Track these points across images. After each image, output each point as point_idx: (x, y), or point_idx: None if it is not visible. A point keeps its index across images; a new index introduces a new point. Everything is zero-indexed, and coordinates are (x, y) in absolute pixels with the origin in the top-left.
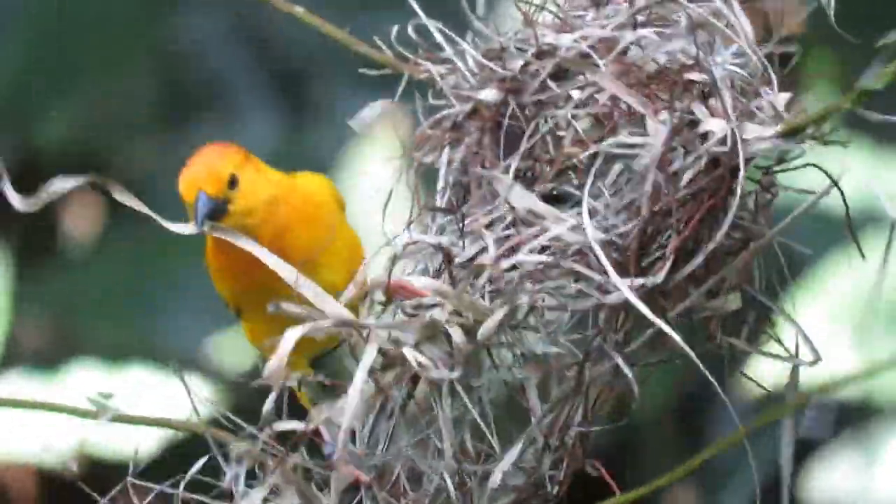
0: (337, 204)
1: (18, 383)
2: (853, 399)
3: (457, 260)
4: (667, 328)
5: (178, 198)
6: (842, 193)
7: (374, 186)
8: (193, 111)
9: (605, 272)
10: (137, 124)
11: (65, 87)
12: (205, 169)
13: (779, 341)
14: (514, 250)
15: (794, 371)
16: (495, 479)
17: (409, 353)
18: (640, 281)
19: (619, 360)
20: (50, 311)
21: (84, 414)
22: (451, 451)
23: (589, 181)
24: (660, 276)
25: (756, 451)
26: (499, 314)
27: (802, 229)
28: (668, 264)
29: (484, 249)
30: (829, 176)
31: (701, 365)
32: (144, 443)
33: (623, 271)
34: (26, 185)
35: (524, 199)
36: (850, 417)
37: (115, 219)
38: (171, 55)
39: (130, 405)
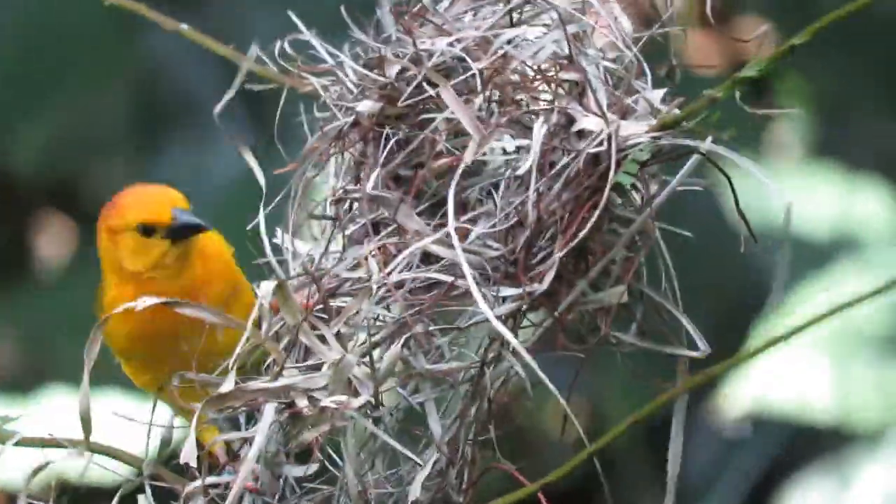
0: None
1: None
2: (828, 425)
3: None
4: (525, 354)
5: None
6: (730, 181)
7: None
8: (164, 131)
9: (496, 282)
10: (109, 144)
11: (37, 107)
12: (167, 193)
13: (670, 335)
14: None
15: (682, 362)
16: (411, 498)
17: (328, 403)
18: (528, 289)
19: (513, 361)
20: (22, 335)
21: None
22: (355, 481)
23: (449, 189)
24: (545, 284)
25: (732, 469)
26: (395, 349)
27: (776, 255)
28: (554, 269)
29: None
30: (716, 165)
31: (540, 372)
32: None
33: (511, 278)
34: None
35: (405, 215)
36: (824, 443)
37: (87, 243)
38: (142, 75)
39: (103, 430)
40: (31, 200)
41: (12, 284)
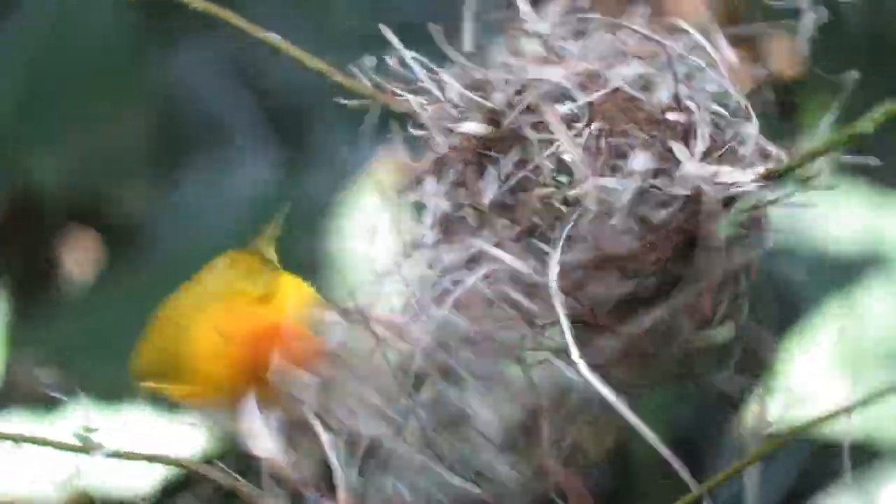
0: None
1: (15, 423)
2: (851, 441)
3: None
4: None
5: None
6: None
7: (370, 227)
8: (188, 152)
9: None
10: (132, 166)
11: (58, 128)
12: None
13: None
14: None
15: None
16: None
17: None
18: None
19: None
20: (47, 351)
21: (75, 449)
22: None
23: (567, 224)
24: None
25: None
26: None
27: (802, 272)
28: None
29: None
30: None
31: (631, 415)
32: (140, 483)
33: (591, 315)
34: (21, 229)
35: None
36: (847, 460)
37: (112, 260)
38: (166, 96)
39: (127, 445)
40: (55, 217)
41: (36, 302)
